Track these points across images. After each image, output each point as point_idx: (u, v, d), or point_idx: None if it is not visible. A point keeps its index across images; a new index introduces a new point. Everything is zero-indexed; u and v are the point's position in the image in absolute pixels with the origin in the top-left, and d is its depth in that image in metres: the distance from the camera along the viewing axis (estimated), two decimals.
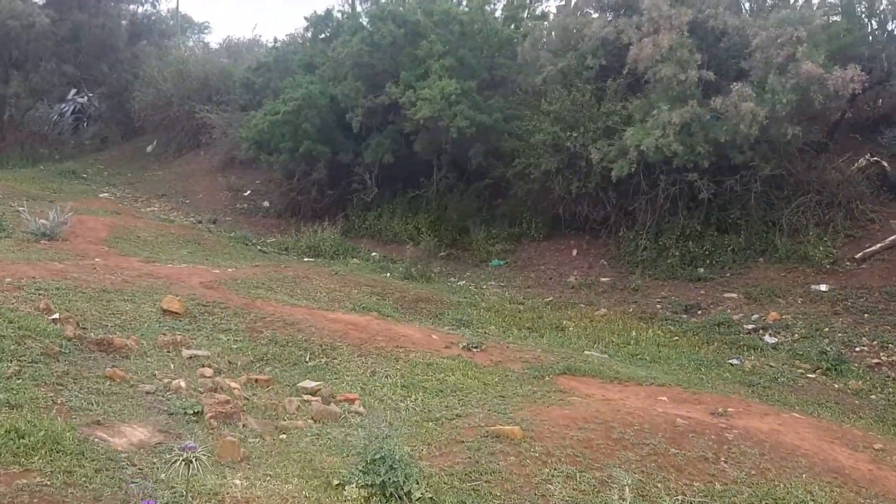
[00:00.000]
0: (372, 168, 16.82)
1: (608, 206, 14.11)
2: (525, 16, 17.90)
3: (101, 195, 22.02)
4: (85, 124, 32.11)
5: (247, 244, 16.17)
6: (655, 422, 5.45)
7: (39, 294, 7.09)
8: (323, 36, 21.27)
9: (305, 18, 21.75)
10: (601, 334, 10.82)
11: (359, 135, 17.42)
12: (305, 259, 15.33)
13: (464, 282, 13.84)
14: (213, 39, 34.30)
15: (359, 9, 23.96)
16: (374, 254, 15.82)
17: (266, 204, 20.81)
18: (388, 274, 13.94)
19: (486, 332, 10.26)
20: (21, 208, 13.06)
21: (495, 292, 13.08)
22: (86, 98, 31.85)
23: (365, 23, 17.48)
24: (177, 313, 7.40)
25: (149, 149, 26.75)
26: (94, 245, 12.09)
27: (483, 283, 13.68)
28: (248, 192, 22.44)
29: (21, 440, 3.77)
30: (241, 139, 19.60)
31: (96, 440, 4.10)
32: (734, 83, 12.87)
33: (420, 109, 14.80)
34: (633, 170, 12.76)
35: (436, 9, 16.53)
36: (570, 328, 11.08)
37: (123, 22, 26.74)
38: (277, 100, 18.04)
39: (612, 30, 13.94)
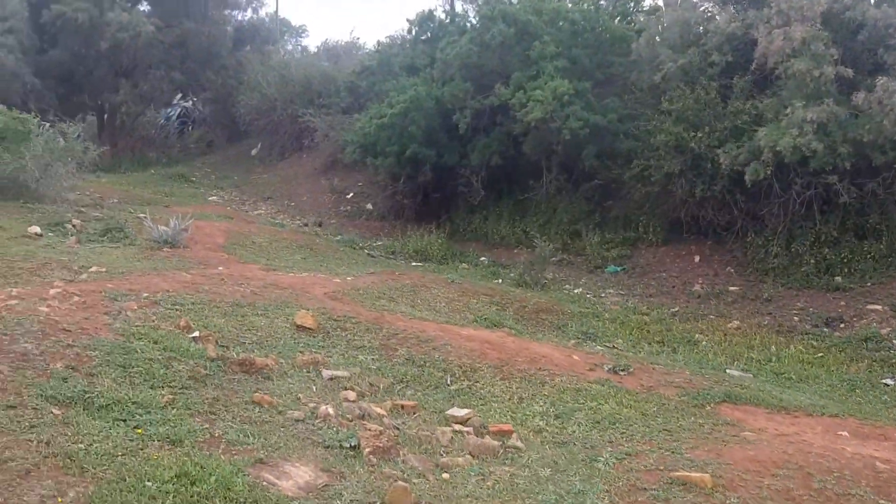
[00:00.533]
0: (478, 170, 16.47)
1: (735, 210, 13.31)
2: (635, 11, 17.18)
3: (209, 198, 22.51)
4: (190, 128, 32.99)
5: (354, 248, 16.11)
6: (853, 466, 4.88)
7: (176, 309, 7.02)
8: (424, 37, 21.11)
9: (408, 20, 21.66)
10: (738, 349, 10.15)
11: (464, 137, 17.12)
12: (413, 263, 15.13)
13: (580, 289, 13.32)
14: (311, 43, 34.70)
15: (459, 9, 23.76)
16: (482, 258, 15.47)
17: (369, 206, 20.77)
18: (500, 280, 13.57)
19: (614, 347, 9.76)
20: (143, 215, 13.29)
21: (616, 301, 12.51)
22: (191, 102, 32.74)
23: (473, 23, 17.14)
24: (310, 329, 7.22)
25: (253, 152, 27.22)
26: (214, 252, 12.16)
27: (601, 291, 13.13)
28: (351, 194, 22.50)
29: (193, 487, 3.56)
30: (345, 142, 19.60)
31: (265, 484, 3.87)
32: (878, 77, 11.90)
33: (532, 111, 14.35)
34: (768, 173, 11.95)
35: (545, 7, 16.03)
36: (703, 342, 10.44)
37: (228, 28, 27.26)
38: (382, 103, 17.92)
39: (739, 24, 13.13)
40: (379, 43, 23.06)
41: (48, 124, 14.93)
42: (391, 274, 11.68)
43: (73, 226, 12.26)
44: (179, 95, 32.08)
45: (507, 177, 16.91)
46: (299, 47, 38.23)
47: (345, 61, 29.23)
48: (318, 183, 23.86)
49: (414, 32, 21.57)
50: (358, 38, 29.80)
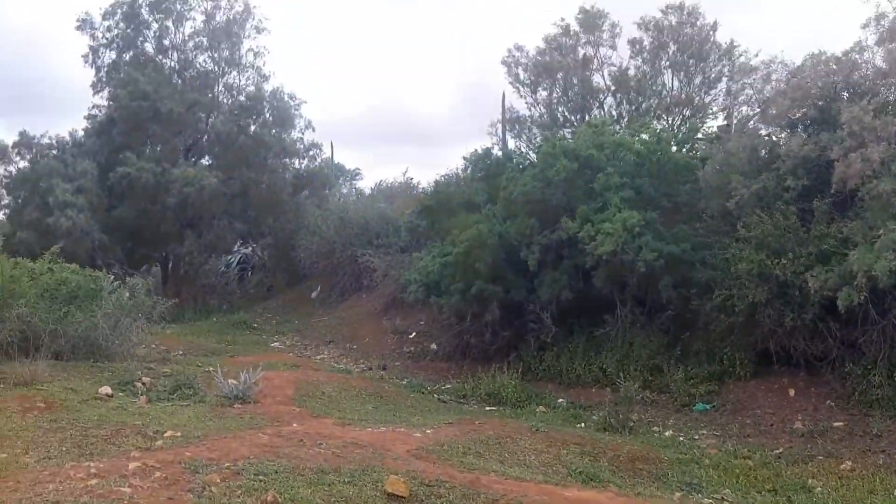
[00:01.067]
0: (548, 306, 16.02)
1: (829, 339, 12.51)
2: (695, 139, 17.12)
3: (272, 344, 22.39)
4: (249, 273, 33.52)
5: (423, 392, 15.57)
6: None
7: (260, 480, 6.53)
8: (481, 174, 21.36)
9: (464, 158, 22.01)
10: (858, 495, 9.19)
11: (531, 272, 16.86)
12: (487, 408, 14.50)
13: (669, 431, 12.46)
14: (365, 184, 35.56)
15: (511, 145, 24.20)
16: (560, 400, 14.74)
17: (433, 346, 20.34)
18: (583, 424, 12.81)
19: (723, 499, 8.91)
20: (211, 369, 13.03)
21: (711, 443, 11.61)
22: (250, 249, 33.45)
23: (532, 159, 17.24)
24: (403, 497, 6.64)
25: (313, 294, 27.33)
26: (285, 405, 11.76)
27: (693, 433, 12.25)
28: (413, 333, 22.16)
29: None
30: (406, 281, 19.45)
31: None
32: None
33: (602, 244, 14.05)
34: (862, 298, 11.26)
35: (606, 141, 16.06)
36: (818, 488, 9.50)
37: (286, 176, 28.11)
38: (443, 241, 17.85)
39: (812, 147, 12.84)
40: (436, 182, 23.34)
41: (112, 277, 15.07)
42: (470, 424, 11.06)
43: (143, 384, 12.02)
44: (240, 242, 32.87)
45: (577, 311, 16.40)
46: (353, 189, 39.42)
47: (400, 201, 29.75)
48: (379, 323, 23.63)
49: (470, 170, 21.92)
50: (411, 179, 30.31)
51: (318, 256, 26.38)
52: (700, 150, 16.30)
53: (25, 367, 10.89)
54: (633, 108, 22.32)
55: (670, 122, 22.07)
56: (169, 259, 28.52)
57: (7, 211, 29.97)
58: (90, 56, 28.26)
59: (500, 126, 24.38)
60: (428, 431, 10.01)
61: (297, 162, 28.29)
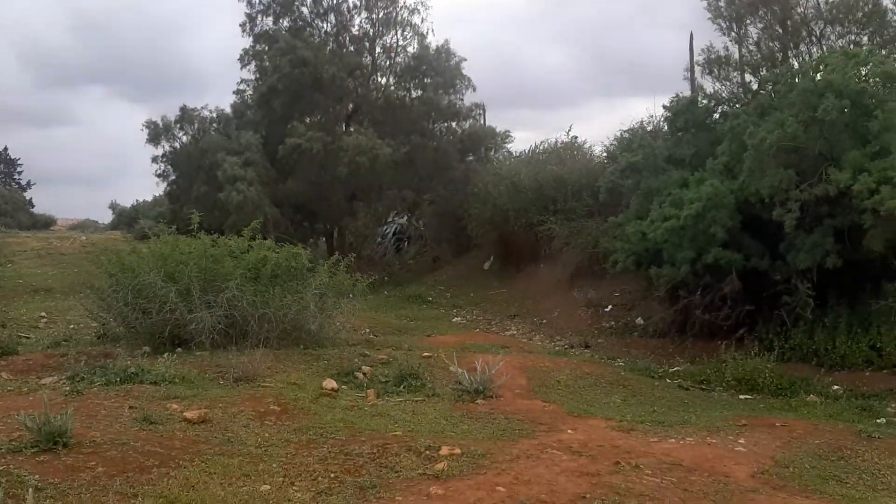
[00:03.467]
0: (805, 274, 13.43)
1: None
2: None
3: (453, 320, 20.88)
4: (406, 244, 32.29)
5: (653, 377, 13.44)
6: None
7: None
8: (681, 126, 18.78)
9: (664, 107, 19.38)
10: None
11: (770, 236, 14.31)
12: (741, 397, 12.22)
13: None
14: (515, 148, 32.95)
15: (710, 89, 21.32)
16: (835, 387, 12.24)
17: (640, 321, 18.14)
18: (882, 420, 10.30)
19: None
20: (429, 354, 11.40)
21: None
22: (405, 219, 32.17)
23: (771, 102, 14.54)
24: None
25: (486, 265, 25.67)
26: (527, 399, 10.00)
27: None
28: (610, 307, 20.02)
29: None
30: (608, 250, 17.27)
31: None
32: None
33: (893, 196, 11.32)
34: None
35: (874, 72, 13.16)
36: None
37: (453, 139, 26.40)
38: (662, 203, 15.49)
39: None
40: (626, 137, 20.87)
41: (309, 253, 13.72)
42: (771, 426, 8.85)
43: (364, 374, 10.55)
44: (394, 213, 31.64)
45: (835, 281, 13.73)
46: (508, 153, 37.31)
47: (572, 163, 27.34)
48: (565, 296, 21.62)
49: (668, 122, 19.34)
50: (576, 138, 27.71)
51: (491, 224, 24.58)
52: None
53: (242, 359, 9.59)
54: (863, 37, 18.93)
55: None
56: (333, 232, 27.59)
57: (170, 187, 29.96)
58: (247, 24, 27.49)
59: (695, 70, 21.49)
60: (741, 441, 7.89)
61: (459, 124, 26.40)
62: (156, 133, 27.98)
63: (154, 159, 28.42)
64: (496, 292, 23.47)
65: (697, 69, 20.96)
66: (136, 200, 56.83)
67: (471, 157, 27.42)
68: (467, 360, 11.91)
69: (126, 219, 55.52)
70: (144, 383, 8.59)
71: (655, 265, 15.51)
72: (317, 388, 9.38)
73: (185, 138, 28.01)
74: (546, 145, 30.82)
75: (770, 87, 16.71)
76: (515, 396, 10.05)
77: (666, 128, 19.80)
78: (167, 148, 28.55)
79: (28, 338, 13.20)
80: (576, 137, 27.65)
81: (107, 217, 61.78)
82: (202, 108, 27.82)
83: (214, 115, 28.44)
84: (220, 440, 6.74)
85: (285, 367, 10.22)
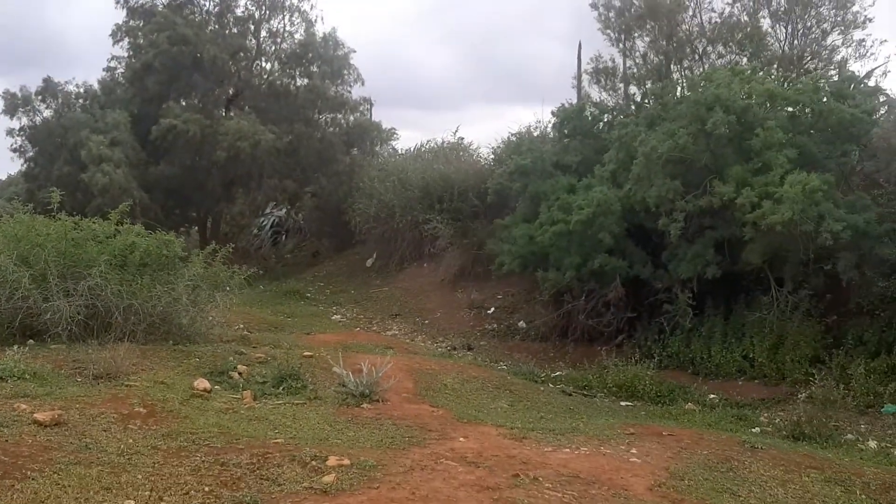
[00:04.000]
0: (689, 284, 13.73)
1: None
2: (854, 90, 14.63)
3: (333, 317, 20.17)
4: (284, 238, 31.20)
5: (537, 381, 13.38)
6: None
7: None
8: (567, 132, 19.04)
9: (553, 113, 19.58)
10: None
11: (653, 245, 14.59)
12: (623, 403, 12.35)
13: (873, 442, 10.22)
14: (399, 146, 32.28)
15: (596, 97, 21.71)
16: (711, 396, 12.53)
17: (522, 324, 18.12)
18: (757, 429, 10.58)
19: None
20: (334, 365, 10.66)
21: None
22: (283, 211, 31.08)
23: (660, 114, 14.80)
24: None
25: (368, 262, 25.04)
26: (415, 403, 9.57)
27: None
28: (492, 309, 19.92)
29: None
30: (494, 252, 17.14)
31: None
32: None
33: (774, 212, 11.69)
34: None
35: (756, 89, 13.62)
36: None
37: (338, 131, 25.63)
38: (550, 207, 15.49)
39: None
40: (513, 140, 20.89)
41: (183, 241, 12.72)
42: (659, 435, 8.82)
43: (240, 374, 9.77)
44: (272, 204, 30.50)
45: (712, 291, 14.13)
46: (390, 149, 36.73)
47: (458, 163, 27.14)
48: (448, 296, 21.37)
49: (557, 128, 19.52)
50: (462, 139, 27.59)
51: (375, 221, 24.00)
52: (863, 103, 13.76)
53: (103, 354, 8.62)
54: (743, 58, 19.76)
55: (780, 75, 19.54)
56: (206, 220, 26.17)
57: (27, 165, 27.52)
58: None
59: (583, 78, 21.81)
60: (633, 451, 7.76)
61: (349, 117, 25.67)
62: (13, 104, 25.56)
63: (9, 132, 25.99)
64: (378, 290, 22.93)
65: (585, 78, 21.25)
66: None
67: (355, 151, 26.73)
68: (351, 360, 11.35)
69: None
70: None
71: (542, 269, 15.49)
72: (187, 388, 8.56)
73: (47, 112, 25.77)
74: (433, 144, 30.67)
75: (653, 99, 17.13)
76: (402, 400, 9.58)
77: (553, 134, 19.97)
78: (25, 122, 26.16)
79: None
80: (462, 138, 27.54)
81: None
82: (66, 82, 25.68)
83: (81, 89, 26.32)
84: (77, 446, 5.90)
85: (152, 364, 9.30)
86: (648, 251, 14.87)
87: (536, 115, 32.10)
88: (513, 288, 20.04)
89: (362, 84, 26.28)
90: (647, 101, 17.77)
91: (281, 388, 9.47)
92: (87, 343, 9.52)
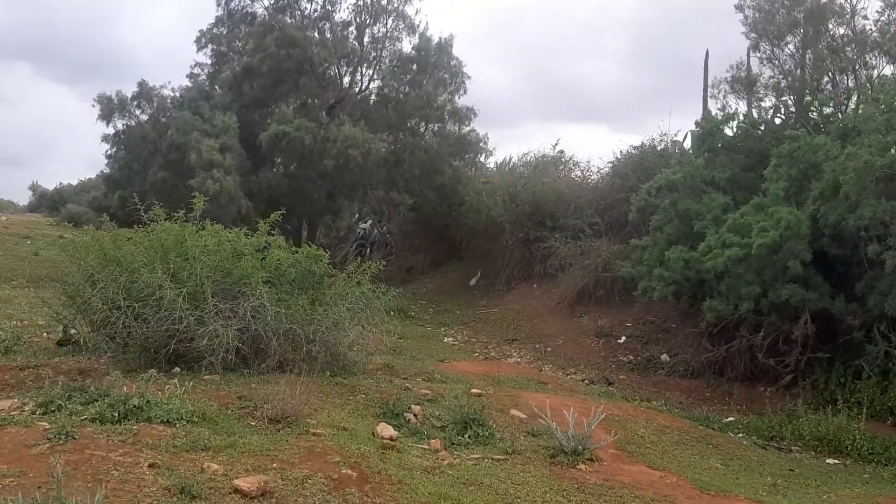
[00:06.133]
0: (882, 320, 11.88)
1: None
2: None
3: (445, 339, 18.71)
4: (368, 251, 29.98)
5: (713, 429, 11.59)
6: None
7: None
8: (710, 149, 17.24)
9: (696, 123, 17.87)
10: None
11: (844, 274, 12.77)
12: (829, 461, 10.50)
13: None
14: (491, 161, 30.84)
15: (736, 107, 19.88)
16: None
17: (665, 357, 16.35)
18: None
19: None
20: (543, 416, 9.08)
21: None
22: (368, 223, 29.92)
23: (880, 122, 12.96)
24: None
25: (472, 281, 23.55)
26: (629, 464, 7.99)
27: None
28: (623, 338, 18.18)
29: None
30: (647, 277, 15.43)
31: None
32: None
33: None
34: None
35: None
36: None
37: (445, 142, 24.24)
38: (717, 228, 13.76)
39: None
40: (620, 154, 19.22)
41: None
42: None
43: (415, 415, 8.31)
44: (356, 217, 29.35)
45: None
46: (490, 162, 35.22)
47: (568, 179, 25.51)
48: (568, 321, 19.69)
49: (697, 144, 17.78)
50: (562, 152, 25.97)
51: (483, 237, 22.52)
52: None
53: (272, 389, 7.25)
54: None
55: None
56: (301, 230, 25.03)
57: (114, 170, 26.74)
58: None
59: (724, 88, 19.97)
60: None
61: (457, 128, 24.28)
62: (109, 109, 24.80)
63: (104, 138, 25.23)
64: (485, 311, 21.39)
65: (723, 87, 19.41)
66: (60, 183, 53.17)
67: (457, 163, 25.33)
68: (521, 400, 9.93)
69: (48, 202, 51.56)
70: (153, 422, 6.16)
71: (699, 297, 13.77)
72: (370, 435, 7.14)
73: (143, 117, 24.99)
74: (530, 157, 29.12)
75: (822, 109, 15.34)
76: (612, 458, 8.00)
77: (690, 149, 18.26)
78: (120, 126, 25.43)
79: None
80: (562, 152, 25.92)
81: (23, 198, 57.69)
82: (161, 86, 24.87)
83: (177, 94, 25.51)
84: None
85: (320, 402, 7.90)
86: (831, 282, 13.03)
87: (661, 127, 30.08)
88: (645, 315, 18.28)
89: (465, 92, 24.94)
90: (812, 111, 15.95)
91: (466, 435, 8.00)
92: (241, 373, 8.22)
